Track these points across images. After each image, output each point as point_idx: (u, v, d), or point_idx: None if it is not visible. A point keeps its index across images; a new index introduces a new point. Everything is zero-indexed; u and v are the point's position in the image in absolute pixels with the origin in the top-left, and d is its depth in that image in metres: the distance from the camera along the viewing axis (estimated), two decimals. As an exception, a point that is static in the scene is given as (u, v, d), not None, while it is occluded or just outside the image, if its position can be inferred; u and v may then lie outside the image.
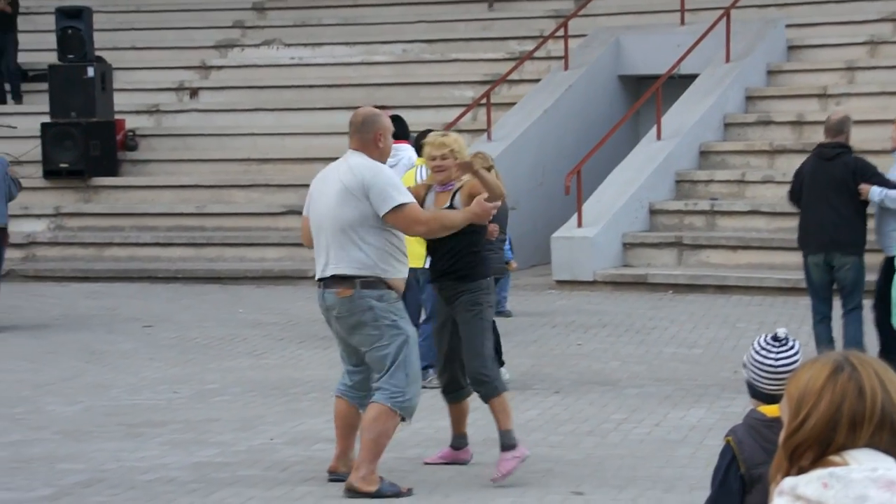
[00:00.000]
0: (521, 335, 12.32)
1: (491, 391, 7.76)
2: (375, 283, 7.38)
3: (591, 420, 9.17)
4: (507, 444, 7.68)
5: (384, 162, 7.64)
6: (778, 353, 4.15)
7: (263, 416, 9.43)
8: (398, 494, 7.38)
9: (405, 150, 11.56)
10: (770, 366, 4.12)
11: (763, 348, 4.15)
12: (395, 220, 7.36)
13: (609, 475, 7.77)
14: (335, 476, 7.62)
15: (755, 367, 4.14)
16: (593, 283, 15.23)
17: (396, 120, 11.90)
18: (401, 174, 11.71)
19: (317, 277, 7.56)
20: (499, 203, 7.72)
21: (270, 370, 11.09)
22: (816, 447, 2.66)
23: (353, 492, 7.35)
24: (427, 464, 8.03)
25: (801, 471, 2.65)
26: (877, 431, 2.65)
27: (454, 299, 7.82)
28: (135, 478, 7.85)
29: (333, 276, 7.40)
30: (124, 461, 8.23)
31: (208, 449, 8.50)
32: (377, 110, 7.83)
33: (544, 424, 9.06)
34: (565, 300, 14.62)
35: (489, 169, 10.03)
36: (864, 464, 2.62)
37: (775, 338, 4.18)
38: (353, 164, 7.48)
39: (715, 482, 4.10)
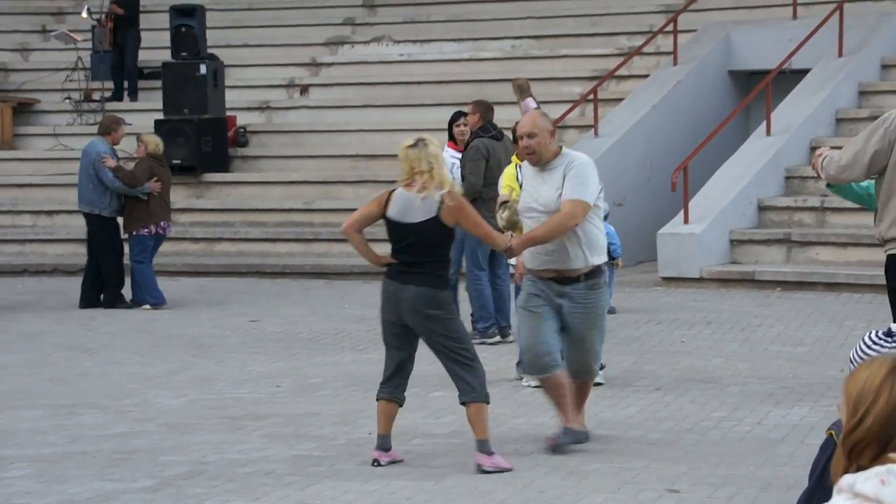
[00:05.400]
0: (625, 332, 12.27)
1: None
2: None
3: (691, 417, 9.11)
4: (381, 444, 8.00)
5: None
6: (891, 348, 4.06)
7: (364, 410, 9.48)
8: None
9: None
10: None
11: (875, 343, 4.07)
12: None
13: (706, 473, 7.72)
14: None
15: (865, 361, 4.05)
16: (700, 279, 15.12)
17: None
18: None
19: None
20: None
21: (373, 365, 11.11)
22: (875, 445, 2.64)
23: None
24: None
25: (861, 469, 2.63)
26: (939, 430, 2.61)
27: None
28: (234, 470, 7.96)
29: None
30: (225, 453, 8.35)
31: (308, 442, 8.59)
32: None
33: (643, 421, 9.01)
34: (671, 297, 14.53)
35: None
36: (926, 462, 2.59)
37: (888, 333, 4.10)
38: None
39: (813, 476, 4.03)
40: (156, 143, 14.68)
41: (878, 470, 2.60)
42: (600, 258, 8.11)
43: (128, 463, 8.17)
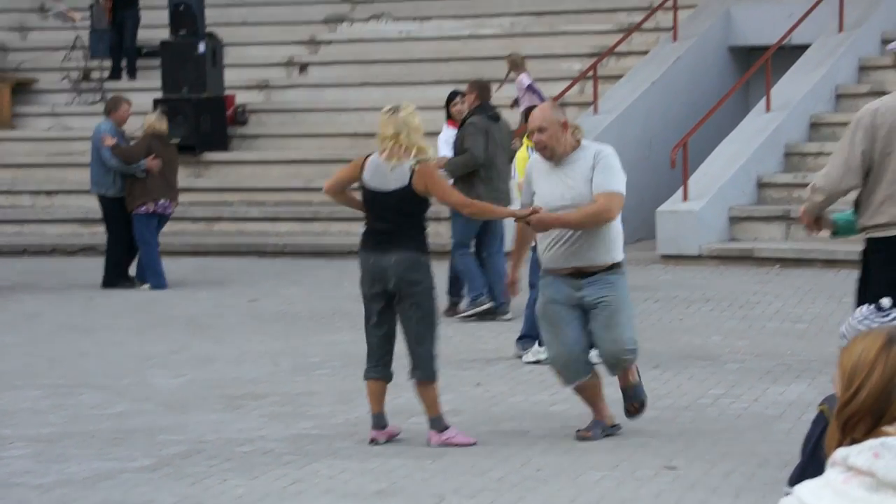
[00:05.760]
0: (624, 309, 12.25)
1: None
2: None
3: (689, 395, 9.12)
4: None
5: None
6: (881, 322, 4.07)
7: (362, 389, 9.40)
8: None
9: None
10: None
11: (865, 317, 4.09)
12: None
13: (703, 450, 7.73)
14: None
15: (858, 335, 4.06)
16: (699, 257, 15.12)
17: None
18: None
19: None
20: None
21: (371, 343, 11.15)
22: (869, 419, 2.64)
23: None
24: None
25: (854, 442, 2.63)
26: (930, 404, 2.62)
27: None
28: (232, 449, 7.97)
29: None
30: (223, 433, 8.36)
31: (306, 421, 8.61)
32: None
33: (641, 399, 9.00)
34: (670, 275, 14.53)
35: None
36: (917, 435, 2.59)
37: (879, 307, 4.11)
38: None
39: (806, 450, 4.06)
40: (151, 122, 14.58)
41: (871, 443, 2.61)
42: (619, 254, 7.81)
43: (126, 442, 8.18)
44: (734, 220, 15.67)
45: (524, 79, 17.47)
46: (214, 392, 9.52)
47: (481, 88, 12.23)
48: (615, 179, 7.67)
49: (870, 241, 7.12)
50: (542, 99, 15.82)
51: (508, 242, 12.15)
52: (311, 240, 17.20)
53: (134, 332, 11.95)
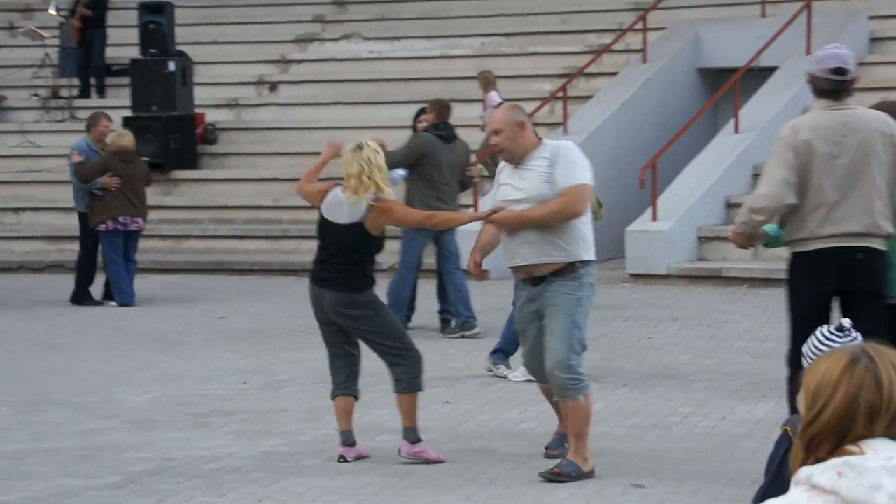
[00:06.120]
0: (593, 329, 12.17)
1: None
2: None
3: (657, 413, 9.13)
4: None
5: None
6: (842, 343, 4.12)
7: (330, 406, 9.39)
8: None
9: None
10: None
11: (827, 338, 4.14)
12: None
13: (671, 468, 7.74)
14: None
15: (817, 356, 4.11)
16: (667, 276, 15.17)
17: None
18: None
19: None
20: None
21: (340, 362, 11.12)
22: (833, 438, 2.65)
23: None
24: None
25: (818, 461, 2.64)
26: (893, 422, 2.63)
27: None
28: (200, 466, 7.94)
29: None
30: (190, 450, 8.33)
31: (273, 439, 8.58)
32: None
33: (609, 417, 9.02)
34: (639, 294, 14.57)
35: None
36: (880, 453, 2.61)
37: (839, 328, 4.16)
38: None
39: (769, 471, 4.09)
40: (112, 138, 14.40)
41: (834, 462, 2.62)
42: (586, 252, 7.44)
43: (93, 460, 8.14)
44: (703, 239, 15.73)
45: (494, 97, 17.53)
46: (182, 409, 9.49)
47: (440, 108, 12.45)
48: (578, 172, 7.35)
49: (791, 256, 7.17)
50: None
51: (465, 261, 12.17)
52: (280, 257, 17.17)
53: (101, 350, 11.90)
